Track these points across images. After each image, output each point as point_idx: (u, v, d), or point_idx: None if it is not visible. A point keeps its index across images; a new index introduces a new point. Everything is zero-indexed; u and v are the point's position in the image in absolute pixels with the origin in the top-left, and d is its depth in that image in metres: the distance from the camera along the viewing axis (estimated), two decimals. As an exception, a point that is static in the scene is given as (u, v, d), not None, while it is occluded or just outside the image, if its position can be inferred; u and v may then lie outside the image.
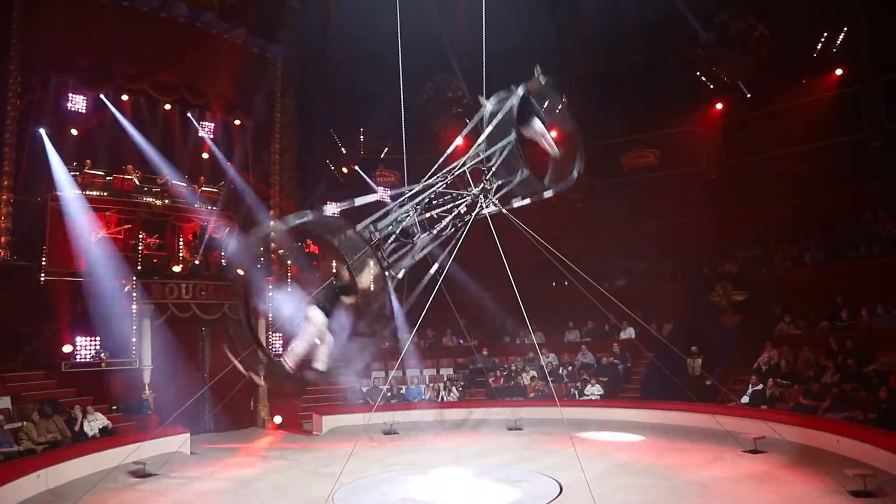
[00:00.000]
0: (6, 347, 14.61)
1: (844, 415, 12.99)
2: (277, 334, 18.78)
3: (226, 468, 13.03)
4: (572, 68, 23.73)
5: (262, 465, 13.32)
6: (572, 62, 23.34)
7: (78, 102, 17.77)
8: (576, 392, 18.24)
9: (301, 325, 8.11)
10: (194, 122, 19.94)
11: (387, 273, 8.45)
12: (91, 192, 16.74)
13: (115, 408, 15.10)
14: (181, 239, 18.01)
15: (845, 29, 19.71)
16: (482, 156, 8.97)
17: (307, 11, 21.09)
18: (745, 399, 15.12)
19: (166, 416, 13.38)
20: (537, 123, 8.97)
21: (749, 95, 20.96)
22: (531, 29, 20.87)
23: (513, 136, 8.62)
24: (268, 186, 20.44)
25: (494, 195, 9.13)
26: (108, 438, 13.37)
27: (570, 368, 19.50)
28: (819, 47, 20.20)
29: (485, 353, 20.47)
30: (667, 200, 22.42)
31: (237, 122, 20.17)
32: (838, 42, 19.86)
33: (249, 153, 20.45)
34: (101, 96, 17.75)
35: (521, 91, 8.65)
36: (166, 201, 18.00)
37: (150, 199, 17.79)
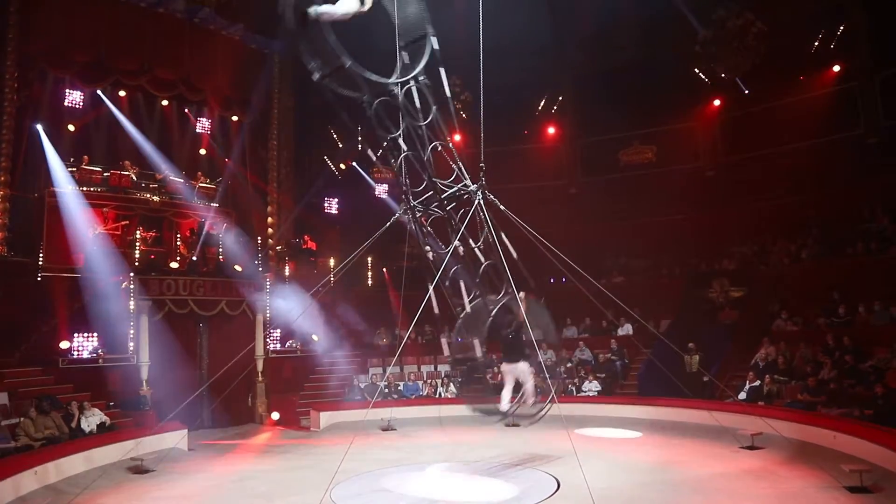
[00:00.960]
0: (4, 343, 14.58)
1: (841, 411, 13.02)
2: (276, 331, 18.86)
3: (223, 464, 13.03)
4: (570, 64, 23.80)
5: (260, 462, 13.31)
6: (570, 58, 23.40)
7: (75, 98, 17.75)
8: (573, 388, 18.26)
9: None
10: (192, 118, 19.93)
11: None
12: (88, 188, 16.75)
13: (112, 404, 15.08)
14: (179, 235, 18.00)
15: (843, 26, 19.73)
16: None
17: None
18: (742, 395, 15.14)
19: (164, 412, 13.39)
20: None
21: (747, 92, 20.96)
22: (529, 25, 20.85)
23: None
24: (265, 182, 20.45)
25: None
26: (105, 434, 13.34)
27: (567, 365, 19.50)
28: (817, 44, 20.24)
29: (483, 349, 20.39)
30: (664, 197, 22.45)
31: (235, 118, 20.16)
32: (836, 39, 19.88)
33: (247, 149, 20.44)
34: (99, 92, 17.76)
35: None
36: (164, 197, 18.01)
37: (148, 195, 17.79)
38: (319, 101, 22.75)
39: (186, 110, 19.87)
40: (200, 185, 18.86)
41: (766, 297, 18.94)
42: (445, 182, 10.06)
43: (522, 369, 10.52)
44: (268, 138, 20.49)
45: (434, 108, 9.91)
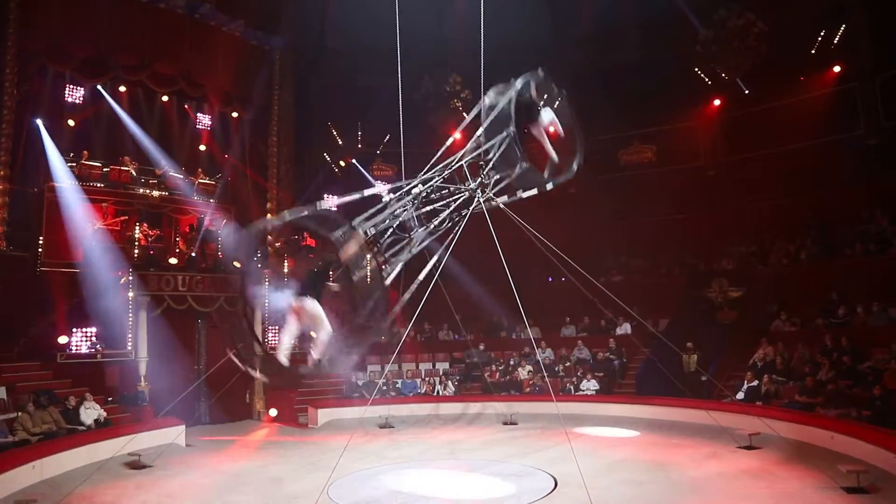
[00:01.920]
0: (2, 338, 14.59)
1: (839, 412, 13.03)
2: (274, 328, 18.81)
3: (221, 460, 13.05)
4: (570, 63, 23.72)
5: (257, 458, 13.33)
6: (570, 57, 23.33)
7: (75, 93, 17.72)
8: (571, 387, 18.28)
9: (289, 317, 8.04)
10: (192, 114, 19.90)
11: (383, 267, 8.47)
12: (88, 183, 16.71)
13: (110, 399, 15.10)
14: (178, 231, 17.99)
15: (843, 26, 19.70)
16: (481, 148, 8.95)
17: (305, 3, 21.04)
18: (740, 395, 15.14)
19: (162, 407, 13.39)
20: (545, 114, 8.95)
21: (747, 92, 20.93)
22: (529, 24, 20.84)
23: (511, 129, 8.61)
24: (265, 179, 20.42)
25: (493, 189, 9.13)
26: (103, 430, 13.36)
27: (566, 364, 19.53)
28: (817, 44, 20.19)
29: (481, 347, 20.48)
30: (664, 196, 22.44)
31: (235, 114, 20.12)
32: (836, 39, 19.85)
33: (247, 145, 20.41)
34: (99, 87, 17.72)
35: (519, 84, 8.64)
36: (163, 193, 17.98)
37: (147, 191, 17.77)
38: (319, 98, 22.92)
39: (186, 106, 19.84)
40: (200, 181, 18.83)
41: (765, 297, 18.94)
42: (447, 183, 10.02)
43: (311, 309, 7.93)
44: (268, 135, 20.47)
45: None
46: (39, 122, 16.40)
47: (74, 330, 15.57)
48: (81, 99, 17.82)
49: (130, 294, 15.85)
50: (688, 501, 9.36)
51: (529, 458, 12.18)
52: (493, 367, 19.86)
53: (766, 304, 18.67)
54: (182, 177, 18.36)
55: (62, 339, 15.23)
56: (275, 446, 14.52)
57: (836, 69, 19.99)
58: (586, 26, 22.39)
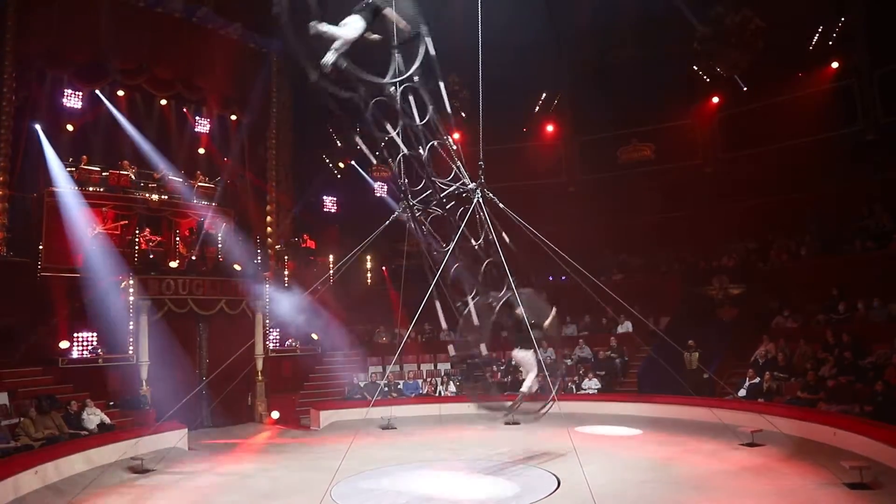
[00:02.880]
0: (3, 343, 14.57)
1: (841, 408, 13.02)
2: (275, 329, 18.85)
3: (223, 463, 13.03)
4: (568, 62, 23.75)
5: (260, 461, 13.31)
6: (568, 56, 23.36)
7: (73, 98, 17.73)
8: (573, 386, 18.26)
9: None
10: (190, 118, 19.91)
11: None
12: (87, 188, 16.74)
13: (112, 403, 15.08)
14: (178, 234, 17.99)
15: (841, 22, 19.72)
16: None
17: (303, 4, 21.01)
18: (742, 392, 15.15)
19: (164, 411, 13.38)
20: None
21: (745, 89, 20.96)
22: (526, 22, 20.81)
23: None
24: (264, 181, 20.45)
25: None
26: (105, 434, 13.33)
27: (567, 363, 19.49)
28: (815, 40, 20.21)
29: (482, 347, 20.40)
30: (663, 194, 22.47)
31: (233, 117, 20.15)
32: (834, 35, 19.87)
33: (246, 148, 20.44)
34: (97, 92, 17.76)
35: None
36: (163, 197, 17.99)
37: (147, 195, 17.78)
38: (318, 99, 22.91)
39: (185, 109, 19.86)
40: (199, 184, 18.85)
41: (766, 294, 18.95)
42: (445, 181, 10.06)
43: (523, 358, 10.89)
44: (266, 137, 20.49)
45: (430, 108, 9.89)
46: (38, 127, 16.42)
47: (75, 335, 15.58)
48: (80, 104, 17.84)
49: (131, 298, 15.84)
50: (691, 499, 9.34)
51: (532, 458, 12.18)
52: (495, 368, 19.83)
53: (767, 301, 18.66)
54: (181, 180, 18.39)
55: (63, 344, 15.23)
56: (277, 448, 14.50)
57: (834, 65, 20.04)
58: (584, 24, 22.37)
